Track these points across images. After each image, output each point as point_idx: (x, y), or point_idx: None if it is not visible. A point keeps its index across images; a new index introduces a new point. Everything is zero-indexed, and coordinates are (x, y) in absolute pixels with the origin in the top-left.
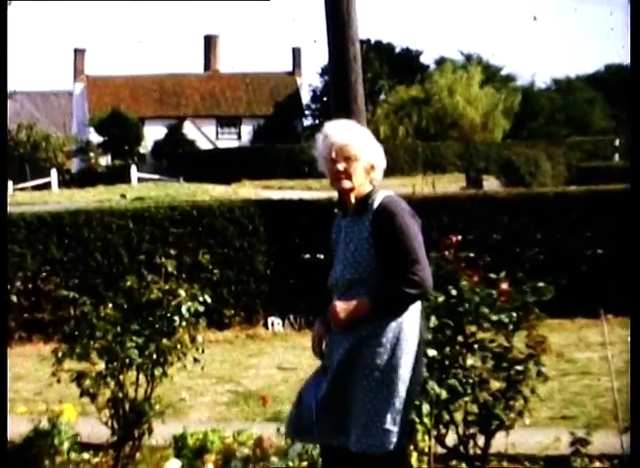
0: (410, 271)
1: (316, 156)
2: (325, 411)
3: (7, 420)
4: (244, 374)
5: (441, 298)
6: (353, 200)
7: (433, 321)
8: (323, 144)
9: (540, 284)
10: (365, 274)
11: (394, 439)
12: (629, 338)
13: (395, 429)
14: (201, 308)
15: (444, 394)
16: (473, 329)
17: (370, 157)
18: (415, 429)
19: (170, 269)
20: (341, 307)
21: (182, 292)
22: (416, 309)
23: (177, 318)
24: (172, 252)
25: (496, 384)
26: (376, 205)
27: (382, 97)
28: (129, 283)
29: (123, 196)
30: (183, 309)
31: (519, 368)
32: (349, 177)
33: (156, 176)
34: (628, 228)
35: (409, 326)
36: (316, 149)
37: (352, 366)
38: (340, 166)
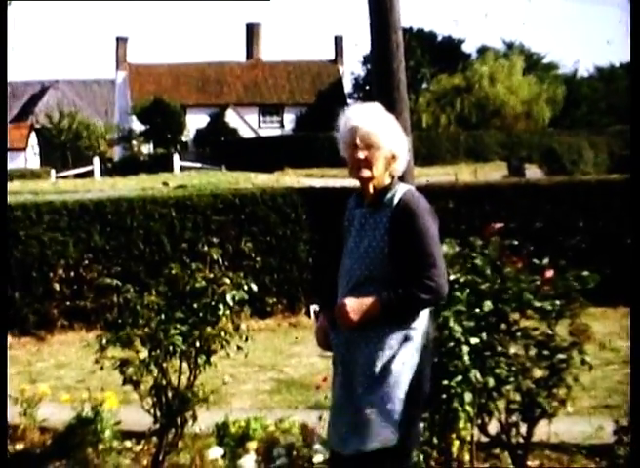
0: (426, 276)
1: (337, 140)
2: (336, 417)
3: (7, 420)
4: (286, 362)
5: (484, 285)
6: (371, 190)
7: (488, 305)
8: (345, 129)
9: (585, 272)
10: (375, 271)
11: (395, 442)
12: (630, 332)
13: (396, 433)
14: (246, 297)
15: (491, 382)
16: (516, 316)
17: (392, 146)
18: (457, 417)
19: (215, 257)
20: (352, 307)
21: (228, 281)
22: (425, 312)
23: (221, 306)
24: (214, 240)
25: (538, 372)
26: (396, 200)
27: (424, 85)
28: (173, 271)
29: (165, 184)
30: (228, 298)
31: (562, 356)
32: (369, 166)
33: (198, 165)
34: (631, 222)
35: (416, 329)
36: (338, 133)
37: (355, 367)
38: (361, 154)
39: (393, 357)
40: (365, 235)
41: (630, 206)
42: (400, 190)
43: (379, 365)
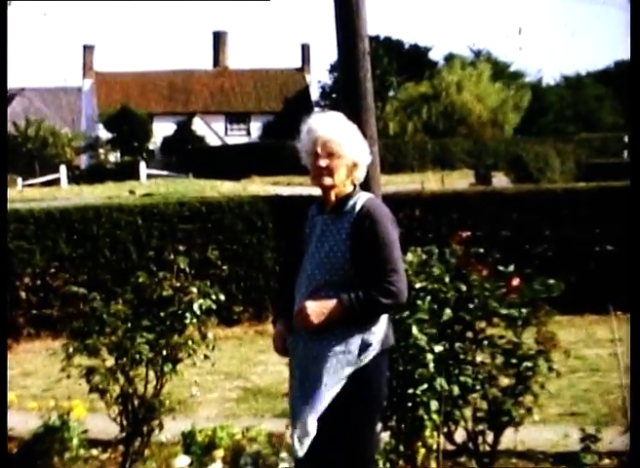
0: (387, 281)
1: (299, 149)
2: (295, 425)
3: (7, 421)
4: (253, 371)
5: (451, 293)
6: (333, 198)
7: (448, 313)
8: (307, 138)
9: (550, 280)
10: (336, 276)
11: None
12: (629, 337)
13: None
14: (213, 306)
15: (456, 390)
16: (482, 325)
17: (354, 155)
18: (423, 426)
19: (182, 266)
20: (313, 309)
21: (194, 290)
22: (384, 318)
23: (188, 315)
24: (181, 248)
25: (505, 380)
26: (358, 207)
27: (391, 93)
28: (140, 279)
29: (132, 192)
30: (195, 306)
31: (528, 364)
32: (331, 174)
33: (165, 173)
34: (628, 226)
35: (375, 334)
36: (300, 142)
37: (313, 372)
38: (323, 162)
39: (351, 362)
40: (326, 241)
41: (629, 212)
42: (362, 198)
43: (337, 370)
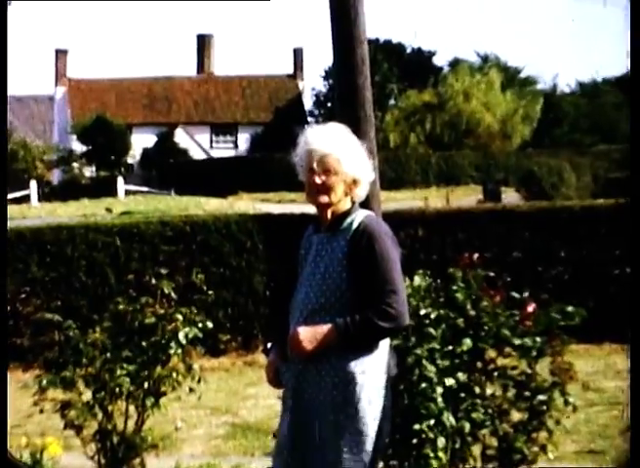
0: (386, 302)
1: (295, 163)
2: (290, 454)
3: (6, 425)
4: (241, 405)
5: (460, 320)
6: (329, 216)
7: (468, 343)
8: (303, 152)
9: (569, 307)
10: (333, 298)
11: None
12: (629, 360)
13: None
14: (200, 334)
15: (467, 426)
16: (493, 354)
17: (353, 171)
18: (428, 464)
19: (166, 291)
20: (305, 335)
21: (180, 317)
22: (384, 343)
23: (173, 344)
24: (163, 271)
25: (517, 415)
26: (355, 225)
27: (392, 101)
28: (120, 306)
29: (109, 210)
30: (180, 335)
31: (543, 397)
32: (327, 192)
33: (145, 189)
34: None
35: (374, 360)
36: (296, 156)
37: (309, 402)
38: (318, 179)
39: (349, 393)
40: (321, 261)
41: (632, 231)
42: (359, 215)
43: (334, 401)
